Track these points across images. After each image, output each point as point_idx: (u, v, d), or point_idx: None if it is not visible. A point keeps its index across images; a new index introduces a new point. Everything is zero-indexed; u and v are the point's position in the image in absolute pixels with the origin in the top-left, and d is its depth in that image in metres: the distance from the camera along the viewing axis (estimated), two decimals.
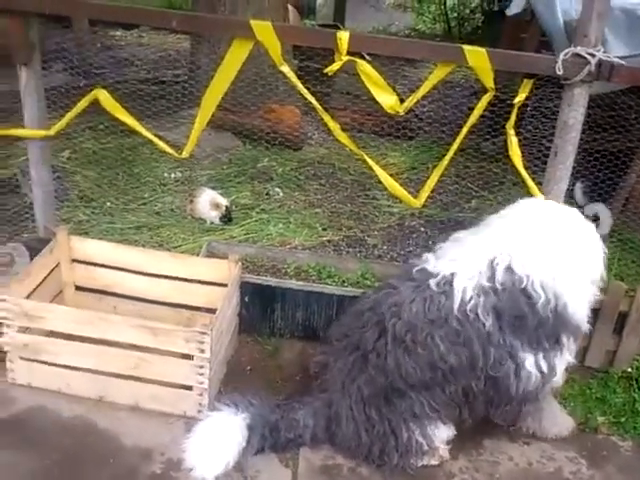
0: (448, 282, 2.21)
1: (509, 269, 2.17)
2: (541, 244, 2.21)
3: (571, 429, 2.58)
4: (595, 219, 3.43)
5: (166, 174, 4.06)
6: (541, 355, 2.20)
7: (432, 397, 2.23)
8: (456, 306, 2.17)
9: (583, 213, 2.41)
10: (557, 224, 2.29)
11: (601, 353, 2.86)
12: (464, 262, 2.24)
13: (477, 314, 2.16)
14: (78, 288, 2.92)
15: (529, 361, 2.19)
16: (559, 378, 2.31)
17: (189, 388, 2.44)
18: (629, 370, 2.81)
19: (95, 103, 2.85)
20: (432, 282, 2.22)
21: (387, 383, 2.23)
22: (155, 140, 3.00)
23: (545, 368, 2.21)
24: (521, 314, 2.16)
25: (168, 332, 2.36)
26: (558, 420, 2.56)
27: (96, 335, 2.42)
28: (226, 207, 3.51)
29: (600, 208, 3.59)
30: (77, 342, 2.44)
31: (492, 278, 2.17)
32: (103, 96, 2.83)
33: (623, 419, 2.66)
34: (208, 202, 3.51)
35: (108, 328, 2.39)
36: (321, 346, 2.56)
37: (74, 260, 2.87)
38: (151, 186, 3.90)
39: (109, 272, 2.86)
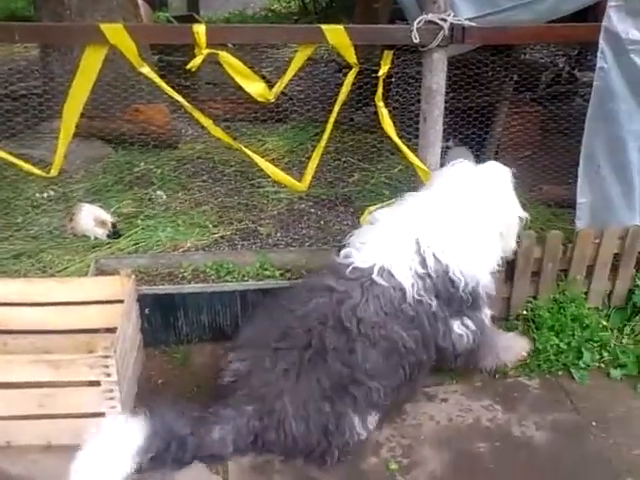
0: (389, 274, 2.30)
1: (436, 257, 2.32)
2: (452, 229, 2.36)
3: (527, 348, 2.75)
4: None
5: (37, 194, 3.80)
6: (466, 318, 2.41)
7: (389, 382, 2.32)
8: (408, 294, 2.28)
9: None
10: (468, 201, 2.42)
11: (498, 301, 3.01)
12: (392, 250, 2.33)
13: (423, 297, 2.30)
14: None
15: (457, 325, 2.40)
16: (488, 322, 2.52)
17: (102, 415, 2.32)
18: (524, 313, 2.97)
19: None
20: (375, 277, 2.29)
21: (348, 378, 2.25)
22: (18, 162, 2.80)
23: (475, 327, 2.42)
24: (450, 294, 2.34)
25: (69, 362, 2.23)
26: (512, 346, 2.74)
27: None
28: (112, 223, 3.35)
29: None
30: None
31: (424, 264, 2.31)
32: None
33: (527, 359, 2.80)
34: (91, 218, 3.33)
35: (1, 370, 2.22)
36: (234, 353, 2.41)
37: None
38: (23, 209, 3.64)
39: None
